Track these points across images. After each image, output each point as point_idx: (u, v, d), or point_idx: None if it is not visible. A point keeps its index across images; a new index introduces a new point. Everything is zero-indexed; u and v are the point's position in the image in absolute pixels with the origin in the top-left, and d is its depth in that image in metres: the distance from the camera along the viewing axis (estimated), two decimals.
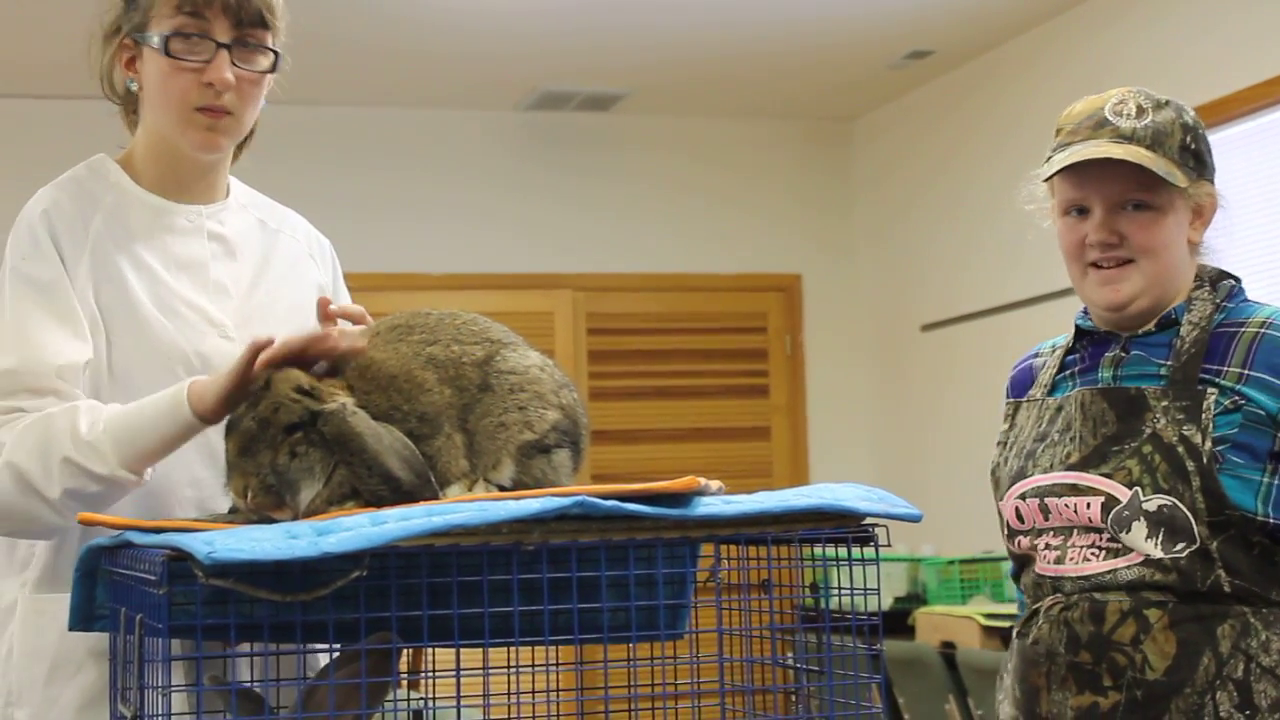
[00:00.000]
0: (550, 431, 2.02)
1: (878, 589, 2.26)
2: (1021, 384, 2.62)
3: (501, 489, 1.98)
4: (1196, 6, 6.16)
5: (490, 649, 1.81)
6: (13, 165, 6.86)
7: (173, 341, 2.29)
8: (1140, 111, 2.41)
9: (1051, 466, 2.40)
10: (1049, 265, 2.54)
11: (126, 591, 1.87)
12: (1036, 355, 2.64)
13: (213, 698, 1.91)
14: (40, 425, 2.15)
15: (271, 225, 2.52)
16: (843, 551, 1.97)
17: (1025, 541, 2.42)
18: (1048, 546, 2.38)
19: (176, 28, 2.29)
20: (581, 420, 2.08)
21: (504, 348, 2.05)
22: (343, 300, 2.54)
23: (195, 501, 2.29)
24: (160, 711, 1.72)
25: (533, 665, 2.03)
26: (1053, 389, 2.51)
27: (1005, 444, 2.55)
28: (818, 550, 2.02)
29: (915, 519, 2.06)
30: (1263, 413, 2.32)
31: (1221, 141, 5.96)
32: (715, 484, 1.96)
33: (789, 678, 2.07)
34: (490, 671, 1.91)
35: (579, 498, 1.78)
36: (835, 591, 2.27)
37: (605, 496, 1.80)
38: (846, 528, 1.96)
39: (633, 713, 2.05)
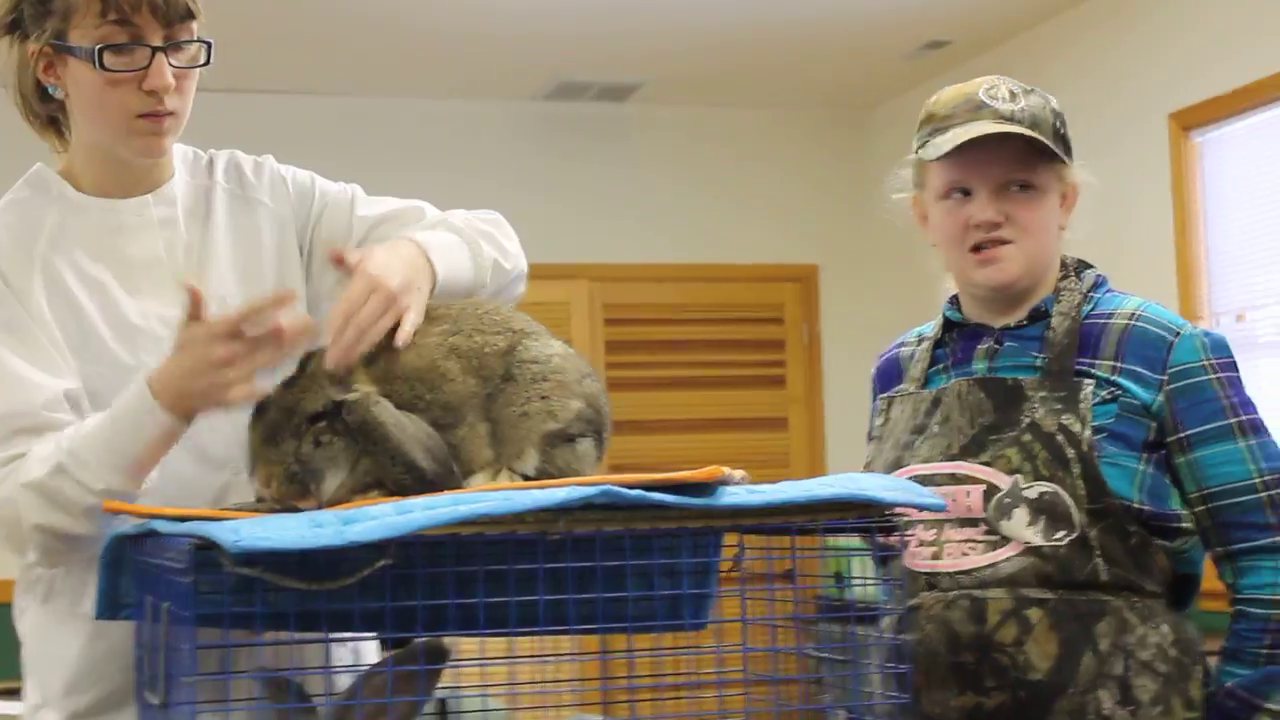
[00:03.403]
0: (574, 421, 2.02)
1: (901, 579, 2.27)
2: (889, 376, 2.61)
3: (526, 478, 1.97)
4: None
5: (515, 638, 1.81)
6: None
7: (133, 363, 2.22)
8: (1013, 95, 2.42)
9: (931, 457, 2.40)
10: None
11: (153, 580, 1.87)
12: (902, 345, 2.63)
13: (240, 686, 1.92)
14: (34, 483, 2.11)
15: (204, 181, 2.39)
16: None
17: (896, 535, 2.39)
18: (921, 543, 2.36)
19: (104, 38, 2.18)
20: (605, 409, 2.08)
21: (527, 337, 2.05)
22: (327, 204, 2.43)
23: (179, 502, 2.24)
24: (187, 699, 1.72)
25: (557, 655, 2.03)
26: (926, 382, 2.51)
27: (880, 438, 2.54)
28: (841, 540, 2.03)
29: (939, 508, 2.06)
30: (1137, 403, 2.33)
31: (1259, 126, 5.98)
32: (739, 473, 1.96)
33: (812, 668, 2.08)
34: (516, 660, 1.92)
35: (604, 487, 1.78)
36: (859, 582, 2.28)
37: (630, 486, 1.80)
38: (870, 517, 1.96)
39: (657, 702, 2.05)
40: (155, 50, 2.19)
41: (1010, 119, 2.38)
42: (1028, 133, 2.37)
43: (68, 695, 2.24)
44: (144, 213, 2.33)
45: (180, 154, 2.41)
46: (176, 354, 2.08)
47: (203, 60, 2.26)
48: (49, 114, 2.34)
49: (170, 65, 2.21)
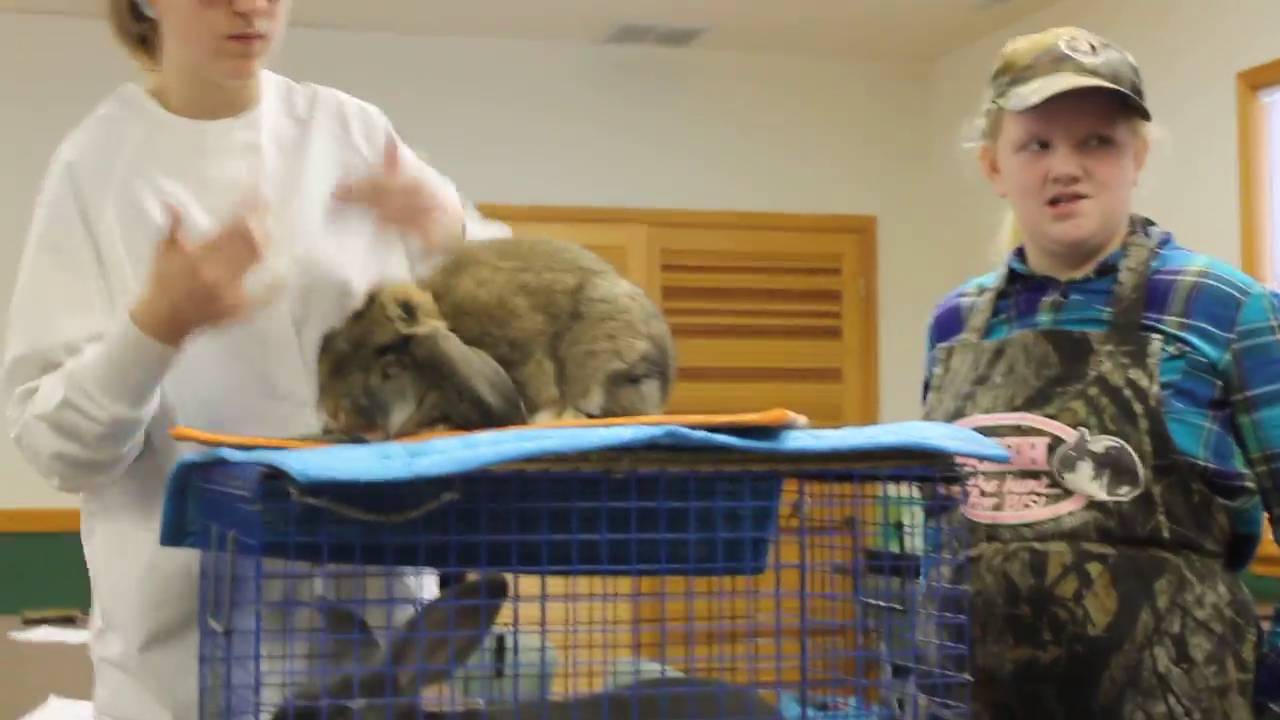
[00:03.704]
0: (639, 361, 2.02)
1: (963, 530, 2.26)
2: (947, 325, 2.60)
3: (590, 417, 1.97)
4: None
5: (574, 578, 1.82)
6: (38, 83, 6.91)
7: None
8: (1094, 49, 2.40)
9: (993, 407, 2.38)
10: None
11: (218, 508, 1.88)
12: (962, 295, 2.61)
13: (302, 615, 1.93)
14: (44, 415, 2.19)
15: (302, 115, 2.44)
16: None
17: (956, 487, 2.37)
18: (982, 494, 2.36)
19: None
20: (670, 351, 2.08)
21: (595, 275, 2.05)
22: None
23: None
24: (250, 627, 1.73)
25: (616, 595, 2.03)
26: (987, 332, 2.49)
27: (940, 388, 2.52)
28: (893, 490, 2.02)
29: (1003, 459, 2.05)
30: (1204, 360, 2.32)
31: None
32: (802, 419, 1.96)
33: (869, 617, 2.07)
34: (576, 600, 1.92)
35: (670, 427, 1.78)
36: (915, 530, 2.27)
37: (695, 427, 1.80)
38: (934, 467, 1.95)
39: (713, 645, 2.05)
40: None
41: (1094, 72, 2.36)
42: (1114, 86, 2.35)
43: (133, 620, 2.27)
44: (229, 135, 2.36)
45: (274, 83, 2.44)
46: (157, 284, 2.11)
47: None
48: (140, 33, 2.37)
49: None
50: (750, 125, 8.14)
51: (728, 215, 8.10)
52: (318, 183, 2.38)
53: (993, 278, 2.56)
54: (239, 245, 2.07)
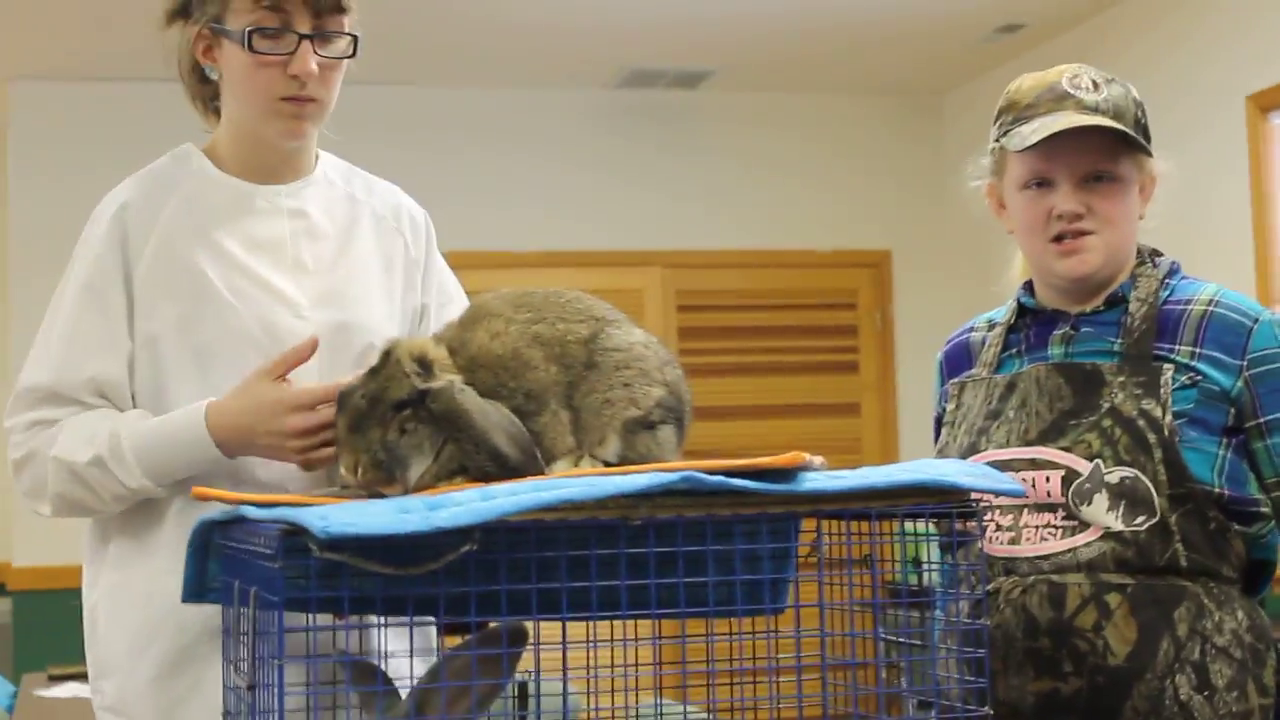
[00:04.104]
0: (655, 408, 2.03)
1: (981, 564, 2.27)
2: (957, 361, 2.61)
3: (607, 465, 1.99)
4: None
5: (595, 624, 1.83)
6: (103, 148, 6.97)
7: (241, 322, 2.32)
8: (1096, 85, 2.41)
9: (1008, 442, 2.39)
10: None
11: (240, 565, 1.90)
12: (972, 330, 2.62)
13: (328, 670, 1.94)
14: (67, 462, 2.27)
15: (360, 197, 2.52)
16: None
17: (972, 523, 2.38)
18: (998, 527, 2.36)
19: (257, 22, 2.31)
20: (685, 397, 2.10)
21: (609, 325, 2.07)
22: (434, 273, 2.56)
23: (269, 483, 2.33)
24: (274, 681, 1.75)
25: (637, 639, 2.05)
26: (998, 367, 2.50)
27: (953, 423, 2.53)
28: (920, 526, 2.03)
29: (1018, 494, 2.06)
30: (1217, 388, 2.33)
31: None
32: (818, 459, 1.97)
33: (888, 654, 2.08)
34: (596, 644, 1.93)
35: (685, 473, 1.79)
36: (934, 566, 2.28)
37: (711, 472, 1.82)
38: (950, 503, 1.97)
39: (735, 685, 2.06)
40: (302, 38, 2.31)
41: (1095, 110, 2.38)
42: (1114, 125, 2.37)
43: (126, 661, 2.31)
44: (275, 200, 2.43)
45: (334, 163, 2.54)
46: (243, 399, 2.21)
47: (350, 53, 2.38)
48: (206, 95, 2.46)
49: (316, 54, 2.33)
50: (762, 164, 8.17)
51: (742, 254, 8.12)
52: (364, 253, 2.47)
53: (1002, 312, 2.57)
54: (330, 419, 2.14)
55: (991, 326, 2.57)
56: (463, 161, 7.78)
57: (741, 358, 8.04)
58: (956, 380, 2.57)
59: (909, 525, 2.00)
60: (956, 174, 2.67)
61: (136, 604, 2.31)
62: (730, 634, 2.03)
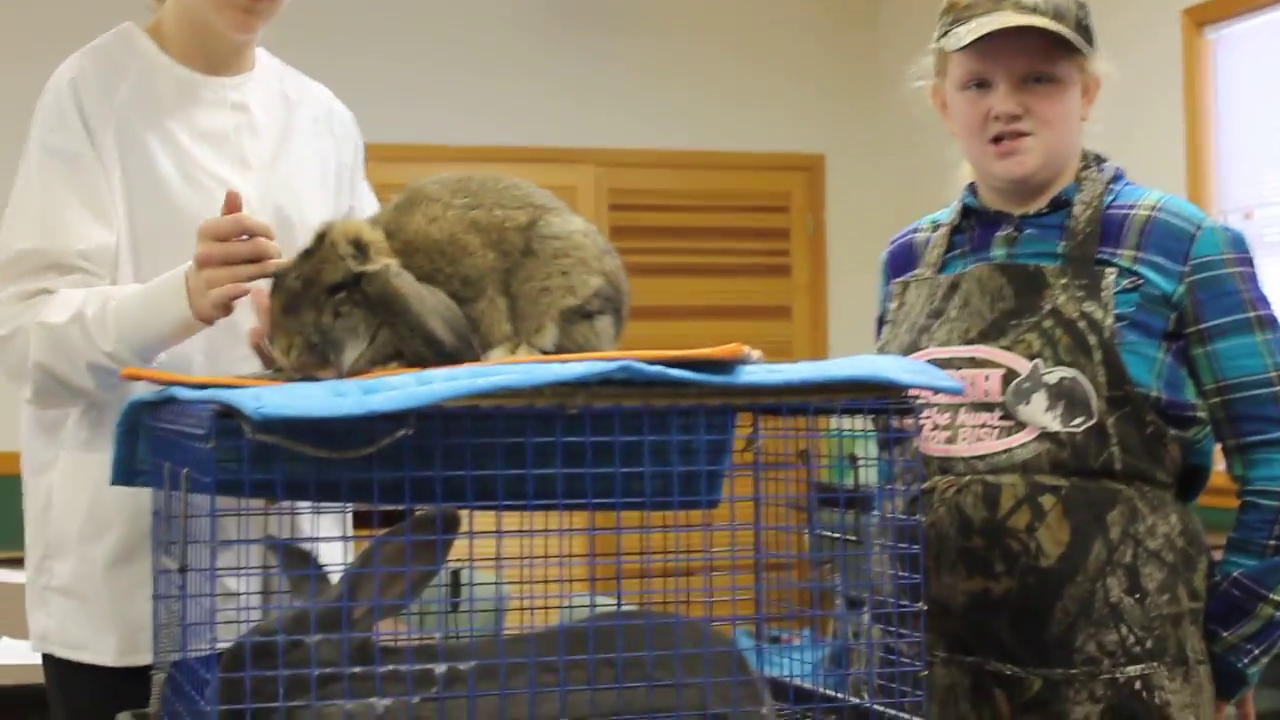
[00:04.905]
0: (593, 297, 2.01)
1: (917, 462, 2.27)
2: (901, 261, 2.61)
3: (544, 353, 1.97)
4: None
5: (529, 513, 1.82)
6: (36, 33, 6.84)
7: (197, 213, 2.29)
8: None
9: (949, 340, 2.40)
10: None
11: (170, 446, 1.88)
12: (916, 231, 2.62)
13: (258, 553, 1.93)
14: (49, 324, 2.22)
15: (293, 97, 2.53)
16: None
17: (909, 419, 2.38)
18: (935, 426, 2.37)
19: None
20: (624, 287, 2.08)
21: (548, 212, 2.04)
22: (360, 178, 2.57)
23: (207, 368, 2.31)
24: (205, 564, 1.73)
25: (572, 529, 2.04)
26: (942, 267, 2.50)
27: (895, 322, 2.53)
28: (857, 423, 2.02)
29: (957, 391, 2.06)
30: (1158, 293, 2.34)
31: (1274, 23, 5.94)
32: (756, 353, 1.96)
33: (823, 549, 2.09)
34: (531, 534, 1.92)
35: (624, 362, 1.78)
36: (871, 462, 2.28)
37: (649, 362, 1.80)
38: (888, 399, 1.96)
39: (669, 578, 2.06)
40: None
41: (1033, 10, 2.36)
42: (1050, 25, 2.35)
43: (83, 542, 2.29)
44: (220, 93, 2.44)
45: (269, 63, 2.54)
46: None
47: None
48: None
49: None
50: (697, 64, 8.12)
51: (676, 154, 8.08)
52: (301, 153, 2.48)
53: (947, 213, 2.57)
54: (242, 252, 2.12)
55: (936, 227, 2.57)
56: (394, 53, 7.68)
57: (674, 258, 8.01)
58: (900, 279, 2.57)
59: (846, 422, 1.99)
60: (892, 78, 2.66)
61: (90, 487, 2.30)
62: (665, 527, 2.02)
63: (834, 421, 1.97)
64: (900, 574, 2.00)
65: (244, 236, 2.11)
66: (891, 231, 2.68)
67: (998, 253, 2.44)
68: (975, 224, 2.50)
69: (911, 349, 2.43)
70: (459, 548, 1.87)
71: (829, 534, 2.05)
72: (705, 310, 8.00)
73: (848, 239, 8.12)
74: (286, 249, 2.30)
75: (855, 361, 1.99)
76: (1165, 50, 6.31)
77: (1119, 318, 2.31)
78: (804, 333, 8.20)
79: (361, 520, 2.33)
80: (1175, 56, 6.28)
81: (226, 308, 2.13)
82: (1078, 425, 2.29)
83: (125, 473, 2.04)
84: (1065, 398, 2.29)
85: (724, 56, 8.15)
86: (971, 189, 2.53)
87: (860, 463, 2.19)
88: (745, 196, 8.19)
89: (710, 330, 7.70)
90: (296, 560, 1.93)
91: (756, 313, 8.12)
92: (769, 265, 8.22)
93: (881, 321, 2.60)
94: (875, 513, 2.29)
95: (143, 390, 2.08)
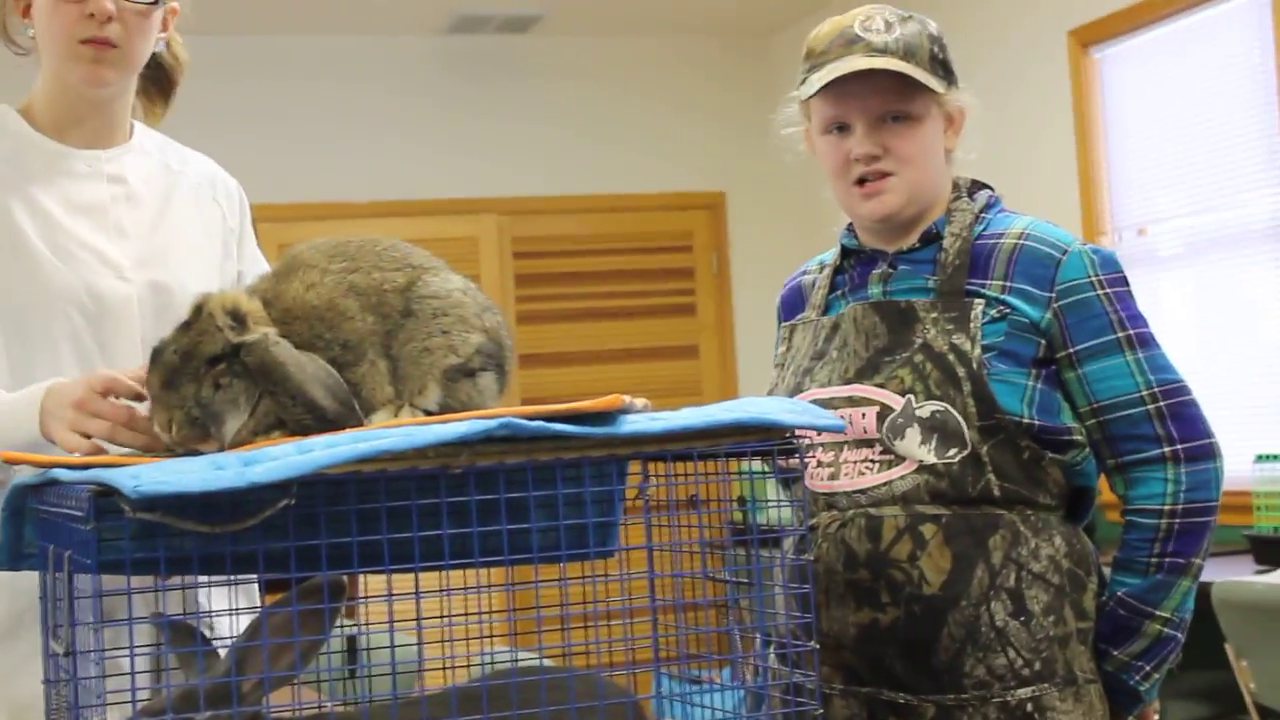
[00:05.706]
0: (475, 355, 2.02)
1: (804, 500, 2.29)
2: (792, 304, 2.65)
3: (428, 414, 1.97)
4: None
5: (421, 574, 1.81)
6: None
7: (65, 282, 2.30)
8: (888, 26, 2.45)
9: (829, 381, 2.43)
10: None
11: (54, 529, 1.86)
12: (805, 273, 2.66)
13: (143, 632, 1.91)
14: None
15: (175, 167, 2.53)
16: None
17: (794, 457, 2.43)
18: (819, 464, 2.40)
19: None
20: (506, 343, 2.08)
21: (425, 272, 2.04)
22: (248, 243, 2.55)
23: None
24: (92, 646, 1.72)
25: (465, 588, 2.04)
26: (826, 309, 2.54)
27: (782, 365, 2.57)
28: (744, 464, 2.04)
29: (838, 429, 2.08)
30: (1026, 320, 2.36)
31: (1158, 40, 6.04)
32: (640, 401, 1.97)
33: (721, 593, 2.09)
34: (422, 595, 1.92)
35: (505, 419, 1.78)
36: (765, 505, 2.30)
37: (531, 417, 1.81)
38: (772, 440, 1.97)
39: (565, 631, 2.06)
40: None
41: (883, 50, 2.40)
42: (898, 66, 2.39)
43: None
44: (95, 165, 2.43)
45: (150, 134, 2.53)
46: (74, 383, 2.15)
47: (153, 0, 2.37)
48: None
49: None
50: (594, 108, 8.15)
51: (577, 199, 8.10)
52: (183, 222, 2.47)
53: (832, 254, 2.60)
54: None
55: (822, 269, 2.60)
56: (291, 110, 7.68)
57: (579, 303, 8.03)
58: (788, 323, 2.60)
59: (744, 464, 2.01)
60: (774, 124, 2.71)
61: None
62: (558, 580, 2.02)
63: (722, 465, 1.98)
64: (794, 613, 2.01)
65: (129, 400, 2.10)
66: (795, 266, 2.71)
67: (874, 291, 2.47)
68: (855, 264, 2.53)
69: (795, 391, 2.45)
70: (353, 613, 1.87)
71: (720, 578, 2.06)
72: (613, 354, 8.01)
73: (752, 275, 8.17)
74: (165, 314, 2.30)
75: (739, 404, 2.01)
76: (1054, 71, 6.40)
77: (987, 348, 2.34)
78: (713, 371, 8.23)
79: (280, 587, 2.31)
80: (1063, 77, 6.37)
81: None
82: (953, 456, 2.31)
83: (11, 557, 2.02)
84: (938, 430, 2.32)
85: (621, 99, 8.19)
86: (850, 229, 2.56)
87: (749, 505, 2.20)
88: (648, 238, 8.22)
89: (619, 373, 7.72)
90: (183, 636, 1.92)
91: (664, 353, 8.14)
92: (675, 305, 8.25)
93: (776, 366, 2.63)
94: (767, 554, 2.31)
95: (29, 473, 2.06)
